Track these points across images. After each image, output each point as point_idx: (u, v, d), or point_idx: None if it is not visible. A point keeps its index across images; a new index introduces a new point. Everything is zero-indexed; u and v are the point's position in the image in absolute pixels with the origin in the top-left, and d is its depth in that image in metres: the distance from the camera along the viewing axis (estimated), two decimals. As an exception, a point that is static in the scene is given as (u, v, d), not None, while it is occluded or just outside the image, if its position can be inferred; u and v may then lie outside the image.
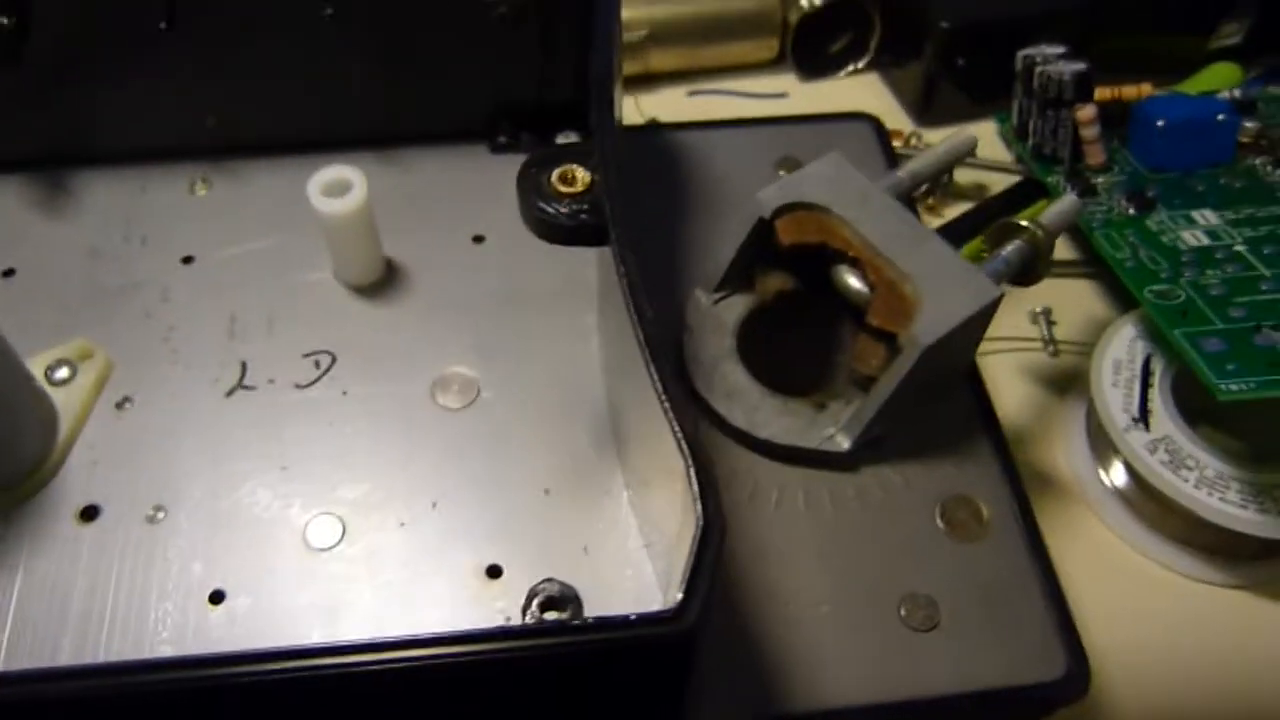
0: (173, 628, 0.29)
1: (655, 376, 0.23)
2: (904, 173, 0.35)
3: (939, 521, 0.31)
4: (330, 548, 0.30)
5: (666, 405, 0.22)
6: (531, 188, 0.26)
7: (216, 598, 0.29)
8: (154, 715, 0.21)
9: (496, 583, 0.30)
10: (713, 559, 0.21)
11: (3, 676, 0.25)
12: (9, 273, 0.36)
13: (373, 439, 0.32)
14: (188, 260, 0.36)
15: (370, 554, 0.30)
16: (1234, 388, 0.30)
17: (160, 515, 0.31)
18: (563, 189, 0.26)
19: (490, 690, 0.21)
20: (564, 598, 0.23)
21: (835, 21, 0.49)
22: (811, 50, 0.50)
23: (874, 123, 0.41)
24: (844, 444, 0.32)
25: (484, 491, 0.31)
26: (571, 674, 0.21)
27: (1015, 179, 0.44)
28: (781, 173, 0.39)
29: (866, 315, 0.31)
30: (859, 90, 0.50)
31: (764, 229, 0.33)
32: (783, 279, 0.34)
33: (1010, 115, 0.43)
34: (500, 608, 0.29)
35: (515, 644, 0.20)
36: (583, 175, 0.26)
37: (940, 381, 0.33)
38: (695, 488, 0.21)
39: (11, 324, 0.30)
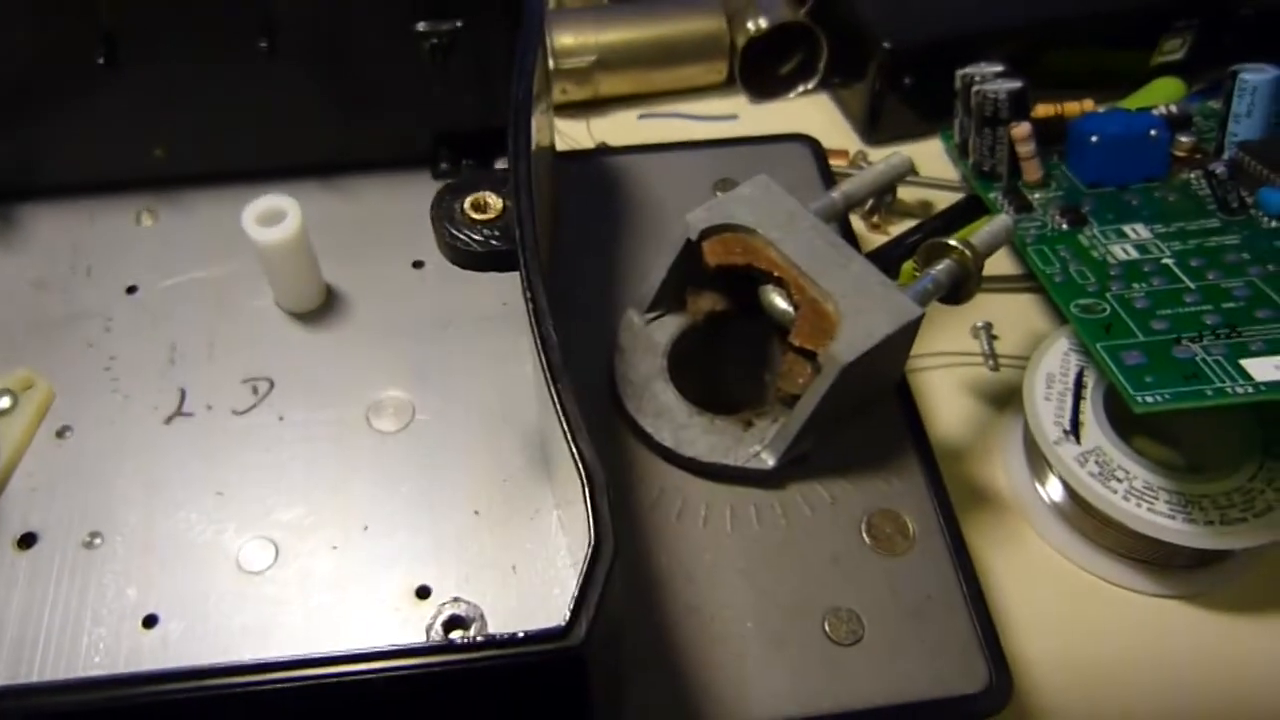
0: (106, 652, 0.29)
1: (556, 398, 0.23)
2: (837, 194, 0.36)
3: (864, 536, 0.32)
4: (263, 571, 0.31)
5: (565, 425, 0.23)
6: (444, 215, 0.27)
7: (150, 622, 0.30)
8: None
9: (426, 603, 0.30)
10: (603, 578, 0.21)
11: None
12: (-45, 305, 0.36)
13: (308, 463, 0.33)
14: (131, 290, 0.37)
15: (303, 577, 0.31)
16: (1150, 400, 0.30)
17: (97, 541, 0.31)
18: (475, 216, 0.27)
19: (390, 711, 0.21)
20: (468, 617, 0.24)
21: (783, 44, 0.50)
22: (761, 72, 0.51)
23: (812, 144, 0.42)
24: (769, 461, 0.32)
25: (416, 514, 0.32)
26: (467, 692, 0.21)
27: (959, 196, 0.45)
28: (718, 194, 0.39)
29: (790, 334, 0.32)
30: (809, 111, 0.51)
31: (692, 250, 0.33)
32: (713, 299, 0.34)
33: (953, 133, 0.44)
34: (426, 625, 0.29)
35: (405, 663, 0.20)
36: (495, 202, 0.27)
37: (865, 398, 0.33)
38: (588, 506, 0.22)
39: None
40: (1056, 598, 0.35)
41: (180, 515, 0.32)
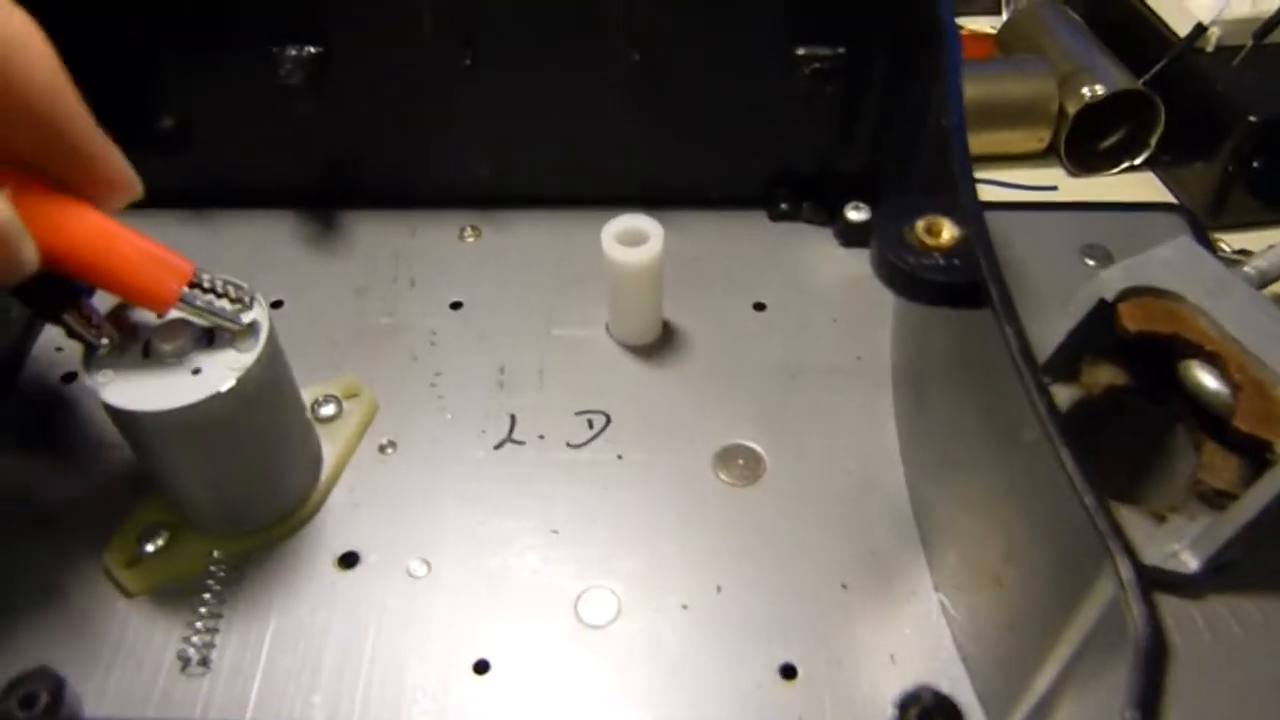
0: (433, 695, 0.26)
1: (1068, 459, 0.19)
2: (1251, 269, 0.31)
3: (1311, 668, 0.26)
4: (605, 625, 0.27)
5: (1082, 490, 0.19)
6: (892, 240, 0.24)
7: (481, 667, 0.27)
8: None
9: (792, 684, 0.26)
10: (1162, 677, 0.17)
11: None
12: (277, 304, 0.35)
13: (650, 509, 0.30)
14: (456, 306, 0.35)
15: (649, 636, 0.27)
16: None
17: (422, 571, 0.28)
18: (929, 241, 0.23)
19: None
20: (943, 709, 0.20)
21: (1112, 115, 0.46)
22: (1082, 144, 0.47)
23: (1188, 215, 0.37)
24: (1191, 564, 0.27)
25: (773, 580, 0.28)
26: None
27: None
28: (1089, 261, 0.35)
29: (1232, 419, 0.27)
30: (1135, 188, 0.46)
31: (1103, 313, 0.29)
32: (1114, 372, 0.30)
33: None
34: (798, 714, 0.25)
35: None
36: (949, 229, 0.24)
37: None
38: (1129, 595, 0.18)
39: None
40: None
41: (513, 550, 0.29)
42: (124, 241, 0.24)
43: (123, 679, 0.26)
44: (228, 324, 0.26)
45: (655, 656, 0.27)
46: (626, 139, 0.36)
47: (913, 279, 0.23)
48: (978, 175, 0.46)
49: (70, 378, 0.33)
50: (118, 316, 0.26)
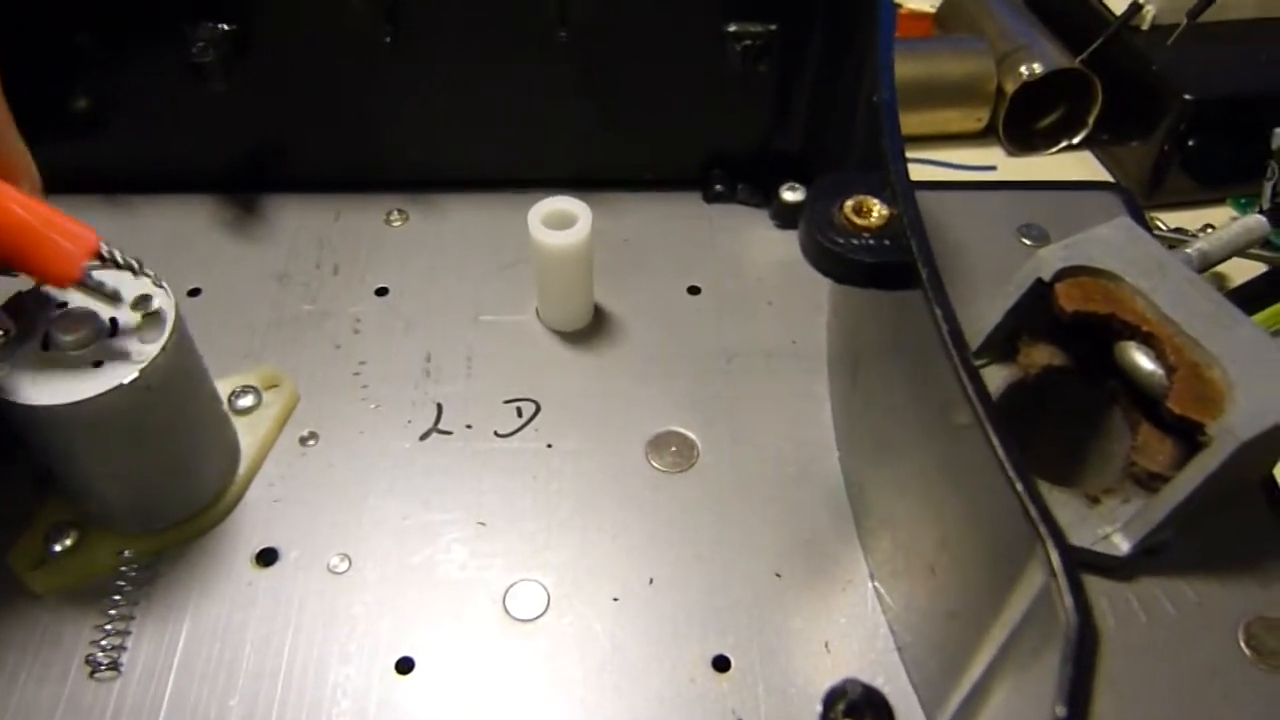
0: (354, 695, 0.25)
1: (998, 444, 0.19)
2: (1193, 251, 0.31)
3: (1243, 647, 0.26)
4: (534, 619, 0.26)
5: (1013, 476, 0.18)
6: (821, 220, 0.23)
7: (404, 666, 0.26)
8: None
9: (725, 677, 0.25)
10: (1092, 670, 0.16)
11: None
12: (195, 292, 0.33)
13: (580, 499, 0.29)
14: (381, 292, 0.34)
15: (579, 630, 0.26)
16: None
17: (344, 566, 0.27)
18: (857, 221, 0.23)
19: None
20: (870, 702, 0.19)
21: (1047, 94, 0.46)
22: (1018, 124, 0.47)
23: (1124, 194, 0.37)
24: (1123, 546, 0.27)
25: (706, 570, 0.27)
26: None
27: (1258, 268, 0.40)
28: (1026, 240, 0.35)
29: (1165, 401, 0.27)
30: (1073, 167, 0.46)
31: (1040, 292, 0.29)
32: (1051, 352, 0.30)
33: (1261, 196, 0.39)
34: (731, 706, 0.25)
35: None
36: (879, 209, 0.23)
37: (1239, 486, 0.28)
38: (1060, 581, 0.17)
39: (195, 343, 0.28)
40: None
41: (439, 545, 0.28)
42: (27, 208, 0.23)
43: (28, 684, 0.25)
44: (130, 311, 0.25)
45: (586, 651, 0.26)
46: (557, 119, 0.35)
47: (841, 260, 0.22)
48: (916, 155, 0.46)
49: (-29, 371, 0.31)
50: (14, 307, 0.25)
